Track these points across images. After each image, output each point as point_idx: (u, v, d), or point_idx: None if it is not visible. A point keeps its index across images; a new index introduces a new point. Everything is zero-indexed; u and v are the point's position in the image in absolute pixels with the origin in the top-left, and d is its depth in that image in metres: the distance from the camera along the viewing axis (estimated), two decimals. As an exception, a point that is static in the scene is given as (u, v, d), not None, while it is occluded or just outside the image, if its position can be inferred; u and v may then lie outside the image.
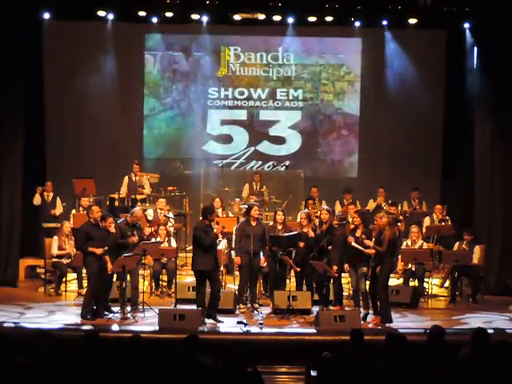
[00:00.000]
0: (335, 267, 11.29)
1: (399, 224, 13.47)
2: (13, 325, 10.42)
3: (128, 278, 11.37)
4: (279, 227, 11.96)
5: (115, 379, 6.79)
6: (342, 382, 7.03)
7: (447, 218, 14.19)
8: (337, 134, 16.72)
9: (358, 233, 11.20)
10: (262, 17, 15.37)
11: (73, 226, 13.03)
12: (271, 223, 12.37)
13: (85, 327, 10.25)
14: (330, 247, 11.53)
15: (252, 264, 11.69)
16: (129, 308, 11.20)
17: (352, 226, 11.50)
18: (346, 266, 11.38)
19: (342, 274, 11.65)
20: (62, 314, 11.36)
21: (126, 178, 15.06)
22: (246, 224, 11.79)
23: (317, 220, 12.14)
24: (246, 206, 12.57)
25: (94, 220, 11.13)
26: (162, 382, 6.79)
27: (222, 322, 10.78)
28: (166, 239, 13.11)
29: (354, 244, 11.04)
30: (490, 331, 9.30)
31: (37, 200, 14.36)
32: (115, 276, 11.89)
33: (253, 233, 11.58)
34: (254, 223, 11.74)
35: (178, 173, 16.22)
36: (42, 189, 14.39)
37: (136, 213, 11.75)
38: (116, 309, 11.12)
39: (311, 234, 11.70)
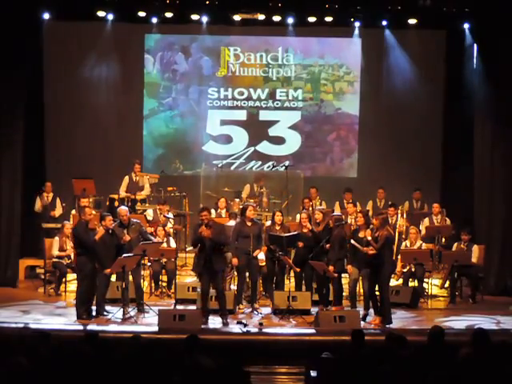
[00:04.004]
0: (331, 267, 11.28)
1: (400, 224, 13.52)
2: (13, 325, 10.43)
3: (130, 278, 11.39)
4: (277, 228, 11.96)
5: (115, 379, 6.78)
6: (341, 383, 7.03)
7: (447, 218, 14.19)
8: (336, 134, 16.72)
9: (362, 233, 11.19)
10: (261, 17, 15.38)
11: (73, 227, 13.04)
12: (269, 223, 12.38)
13: (84, 327, 10.25)
14: (327, 247, 11.55)
15: (251, 264, 11.68)
16: (129, 308, 11.19)
17: (355, 227, 11.50)
18: (349, 267, 11.38)
19: (342, 275, 11.66)
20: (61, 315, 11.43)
21: (127, 177, 15.04)
22: (241, 225, 11.75)
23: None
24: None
25: (85, 221, 11.13)
26: (161, 382, 6.79)
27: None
28: (165, 239, 13.11)
29: (353, 242, 11.04)
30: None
31: (38, 206, 14.33)
32: (115, 276, 11.93)
33: (250, 233, 11.58)
34: (249, 223, 11.72)
35: (177, 173, 16.20)
36: (41, 191, 14.33)
37: (119, 211, 11.82)
38: (116, 309, 11.12)
39: (309, 234, 11.71)
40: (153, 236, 12.77)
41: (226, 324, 10.68)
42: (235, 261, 11.69)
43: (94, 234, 11.12)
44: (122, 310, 11.03)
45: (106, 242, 11.14)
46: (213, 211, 13.91)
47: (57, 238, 13.00)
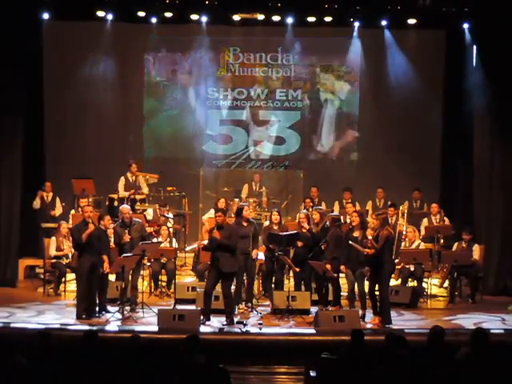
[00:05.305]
0: (328, 266, 11.27)
1: (400, 223, 13.52)
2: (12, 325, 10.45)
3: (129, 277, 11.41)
4: (275, 227, 11.95)
5: (115, 379, 6.79)
6: (341, 383, 7.04)
7: (445, 218, 14.20)
8: (336, 134, 16.74)
9: (356, 233, 11.20)
10: (261, 17, 15.38)
11: (70, 227, 13.02)
12: (268, 223, 12.39)
13: (84, 327, 10.25)
14: (323, 247, 11.55)
15: (249, 264, 11.66)
16: (127, 308, 11.21)
17: (350, 226, 11.51)
18: (343, 267, 11.36)
19: (340, 275, 11.65)
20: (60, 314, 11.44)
21: (123, 178, 14.95)
22: (238, 225, 11.71)
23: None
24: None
25: (84, 220, 11.13)
26: (161, 381, 6.80)
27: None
28: (168, 239, 13.13)
29: (351, 243, 11.03)
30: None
31: (36, 204, 14.33)
32: (115, 276, 11.92)
33: (248, 233, 11.57)
34: (245, 224, 11.69)
35: (177, 173, 16.11)
36: (42, 193, 14.35)
37: (121, 209, 11.87)
38: (115, 309, 11.13)
39: (307, 234, 11.70)
40: (153, 236, 12.82)
41: (229, 324, 10.66)
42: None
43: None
44: (121, 309, 11.03)
45: (101, 240, 11.11)
46: (212, 211, 13.94)
47: (54, 238, 13.00)
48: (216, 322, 10.75)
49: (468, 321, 11.24)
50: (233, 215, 13.90)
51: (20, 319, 10.90)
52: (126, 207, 11.98)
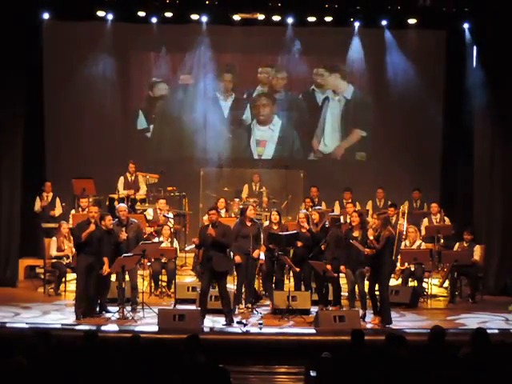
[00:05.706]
0: (329, 267, 11.27)
1: (400, 223, 13.52)
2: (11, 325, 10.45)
3: (127, 277, 11.39)
4: (275, 227, 11.95)
5: (114, 379, 6.78)
6: (341, 383, 7.03)
7: (446, 218, 14.20)
8: (337, 134, 16.73)
9: (356, 233, 11.20)
10: (261, 17, 15.39)
11: (71, 227, 13.02)
12: (267, 223, 12.39)
13: (84, 327, 10.25)
14: (323, 247, 11.55)
15: (249, 264, 11.66)
16: (128, 308, 11.21)
17: (349, 226, 11.49)
18: (343, 267, 11.36)
19: (340, 275, 11.66)
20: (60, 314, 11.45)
21: (122, 178, 15.00)
22: (241, 224, 11.74)
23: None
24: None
25: (87, 220, 11.12)
26: (161, 382, 6.79)
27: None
28: (169, 239, 13.12)
29: (352, 242, 11.02)
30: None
31: (38, 206, 14.32)
32: (115, 276, 11.92)
33: (250, 233, 11.58)
34: (249, 223, 11.72)
35: (177, 173, 16.11)
36: (41, 191, 14.34)
37: (117, 207, 11.90)
38: (115, 309, 11.13)
39: (307, 234, 11.70)
40: (153, 236, 12.81)
41: (229, 323, 10.66)
42: (238, 258, 11.64)
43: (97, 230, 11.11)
44: (120, 309, 11.03)
45: (102, 241, 11.10)
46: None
47: (54, 239, 13.00)
48: (210, 323, 10.73)
49: (470, 320, 11.26)
50: (233, 215, 13.93)
51: (25, 319, 10.89)
52: (122, 206, 11.99)
